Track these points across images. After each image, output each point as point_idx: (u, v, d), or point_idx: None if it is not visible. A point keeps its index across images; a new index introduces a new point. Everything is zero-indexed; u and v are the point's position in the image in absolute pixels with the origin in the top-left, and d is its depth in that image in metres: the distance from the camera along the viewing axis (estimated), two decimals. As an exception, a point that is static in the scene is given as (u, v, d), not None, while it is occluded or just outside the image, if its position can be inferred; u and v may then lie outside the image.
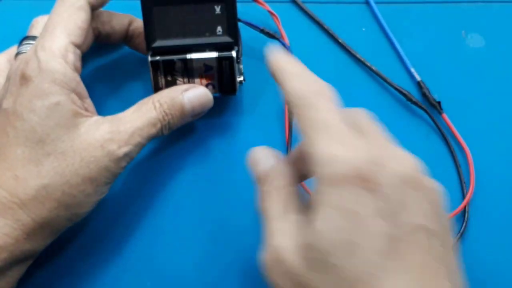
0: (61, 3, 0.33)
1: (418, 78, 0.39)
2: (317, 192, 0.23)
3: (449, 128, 0.38)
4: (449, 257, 0.24)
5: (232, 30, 0.33)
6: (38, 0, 0.41)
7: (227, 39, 0.33)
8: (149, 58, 0.34)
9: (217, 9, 0.33)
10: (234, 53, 0.33)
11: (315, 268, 0.23)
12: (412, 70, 0.40)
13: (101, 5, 0.34)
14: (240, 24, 0.36)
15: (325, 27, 0.41)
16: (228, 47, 0.34)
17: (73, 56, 0.31)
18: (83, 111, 0.31)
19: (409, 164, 0.24)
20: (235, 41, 0.34)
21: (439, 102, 0.38)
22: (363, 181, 0.22)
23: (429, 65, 0.40)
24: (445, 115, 0.38)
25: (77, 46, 0.32)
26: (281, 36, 0.40)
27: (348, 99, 0.39)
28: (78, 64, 0.32)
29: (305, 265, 0.23)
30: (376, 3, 0.42)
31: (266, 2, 0.40)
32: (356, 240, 0.22)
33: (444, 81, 0.39)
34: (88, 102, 0.32)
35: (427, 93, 0.38)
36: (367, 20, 0.42)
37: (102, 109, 0.34)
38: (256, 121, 0.38)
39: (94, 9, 0.33)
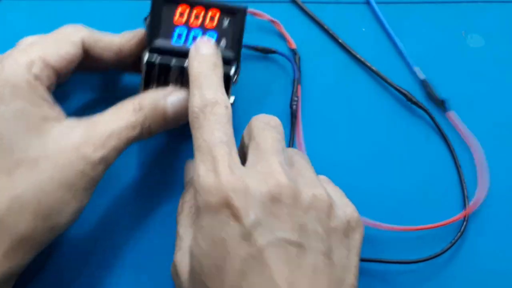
0: (59, 30, 0.31)
1: (422, 76, 0.39)
2: (196, 216, 0.26)
3: (453, 127, 0.38)
4: (325, 268, 0.25)
5: (236, 46, 0.33)
6: (38, 1, 0.41)
7: (228, 53, 0.32)
8: (146, 57, 0.32)
9: (225, 22, 0.32)
10: (232, 70, 0.32)
11: (194, 286, 0.26)
12: (415, 69, 0.39)
13: (95, 49, 0.32)
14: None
15: (325, 27, 0.41)
16: (227, 62, 0.32)
17: (38, 70, 0.29)
18: (53, 115, 0.29)
19: (271, 183, 0.26)
20: (236, 58, 0.33)
21: (443, 101, 0.38)
22: (229, 208, 0.25)
23: (428, 65, 0.40)
24: (450, 113, 0.38)
25: (51, 66, 0.30)
26: (287, 41, 0.39)
27: (348, 100, 0.40)
28: (46, 81, 0.30)
29: (189, 283, 0.27)
30: (377, 3, 0.42)
31: (266, 2, 0.40)
32: (219, 263, 0.25)
33: (444, 81, 0.39)
34: (57, 109, 0.30)
35: (431, 92, 0.38)
36: (368, 20, 0.42)
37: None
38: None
39: (86, 51, 0.32)
